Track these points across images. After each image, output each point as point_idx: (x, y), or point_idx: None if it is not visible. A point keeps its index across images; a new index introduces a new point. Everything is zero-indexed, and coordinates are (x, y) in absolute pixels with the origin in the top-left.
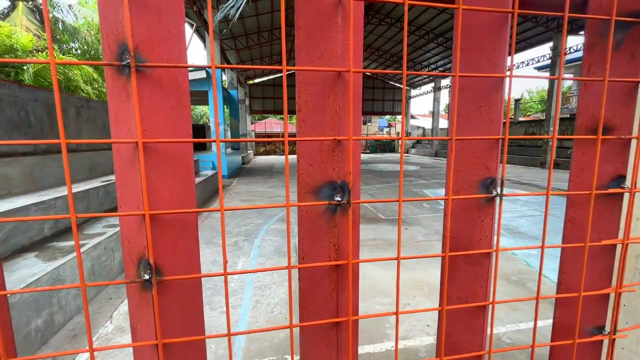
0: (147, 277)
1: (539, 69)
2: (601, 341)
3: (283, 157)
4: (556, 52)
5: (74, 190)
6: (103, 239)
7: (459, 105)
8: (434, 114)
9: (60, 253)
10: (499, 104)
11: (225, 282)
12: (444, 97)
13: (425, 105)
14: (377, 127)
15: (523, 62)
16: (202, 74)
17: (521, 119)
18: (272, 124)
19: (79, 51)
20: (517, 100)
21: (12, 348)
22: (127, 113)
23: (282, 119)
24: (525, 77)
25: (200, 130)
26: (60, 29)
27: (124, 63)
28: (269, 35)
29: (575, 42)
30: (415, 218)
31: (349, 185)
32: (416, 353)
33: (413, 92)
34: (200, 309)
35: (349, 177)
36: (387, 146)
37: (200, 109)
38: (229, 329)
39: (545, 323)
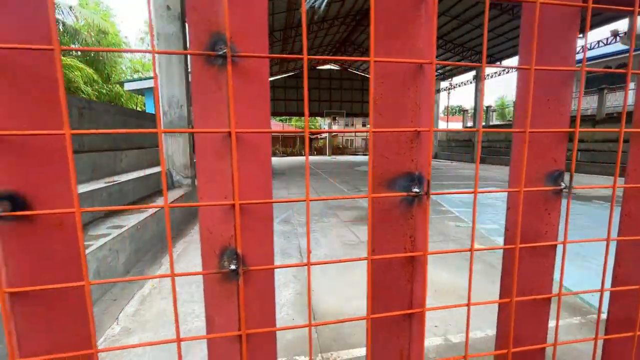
0: (233, 267)
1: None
2: None
3: (282, 158)
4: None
5: (79, 191)
6: (108, 239)
7: (526, 99)
8: (436, 115)
9: None
10: (568, 98)
11: (309, 272)
12: (443, 99)
13: None
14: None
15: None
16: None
17: None
18: (273, 126)
19: (78, 52)
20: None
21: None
22: (217, 104)
23: (281, 120)
24: (598, 70)
25: None
26: (61, 30)
27: (219, 53)
28: (269, 38)
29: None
30: None
31: (426, 177)
32: (425, 354)
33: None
34: (273, 300)
35: (427, 168)
36: None
37: None
38: (310, 319)
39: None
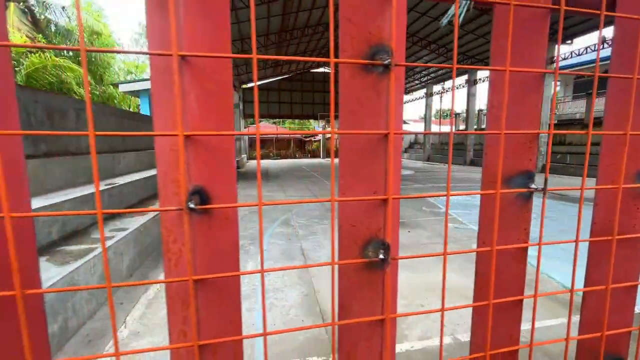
0: (382, 256)
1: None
2: None
3: (277, 161)
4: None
5: (78, 194)
6: (112, 242)
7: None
8: (426, 120)
9: (71, 257)
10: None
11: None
12: (435, 102)
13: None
14: None
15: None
16: None
17: None
18: (267, 128)
19: (70, 53)
20: None
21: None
22: (374, 108)
23: (274, 122)
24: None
25: None
26: (53, 30)
27: (384, 62)
28: (264, 40)
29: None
30: (417, 222)
31: (544, 175)
32: (436, 352)
33: (405, 97)
34: (397, 288)
35: (546, 167)
36: None
37: None
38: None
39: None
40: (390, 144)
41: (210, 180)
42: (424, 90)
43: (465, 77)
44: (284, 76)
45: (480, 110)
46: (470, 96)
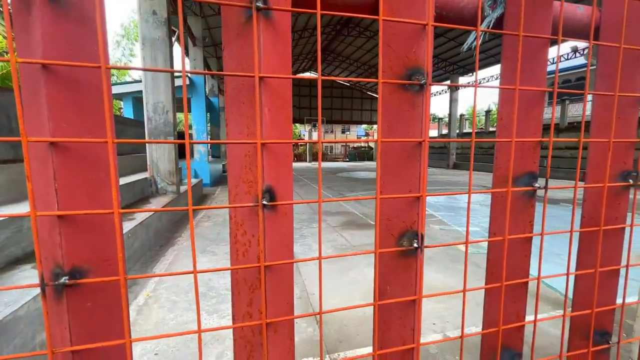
0: (416, 245)
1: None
2: None
3: None
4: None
5: None
6: None
7: (600, 116)
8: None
9: None
10: (635, 115)
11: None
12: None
13: None
14: (355, 135)
15: (492, 76)
16: (186, 81)
17: (491, 128)
18: None
19: None
20: (487, 112)
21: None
22: (410, 120)
23: None
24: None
25: (181, 137)
26: None
27: (421, 82)
28: None
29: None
30: None
31: (545, 176)
32: (427, 349)
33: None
34: (422, 273)
35: (547, 169)
36: (365, 155)
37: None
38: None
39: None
40: (424, 150)
41: (276, 181)
42: None
43: (448, 82)
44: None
45: (462, 115)
46: (453, 102)
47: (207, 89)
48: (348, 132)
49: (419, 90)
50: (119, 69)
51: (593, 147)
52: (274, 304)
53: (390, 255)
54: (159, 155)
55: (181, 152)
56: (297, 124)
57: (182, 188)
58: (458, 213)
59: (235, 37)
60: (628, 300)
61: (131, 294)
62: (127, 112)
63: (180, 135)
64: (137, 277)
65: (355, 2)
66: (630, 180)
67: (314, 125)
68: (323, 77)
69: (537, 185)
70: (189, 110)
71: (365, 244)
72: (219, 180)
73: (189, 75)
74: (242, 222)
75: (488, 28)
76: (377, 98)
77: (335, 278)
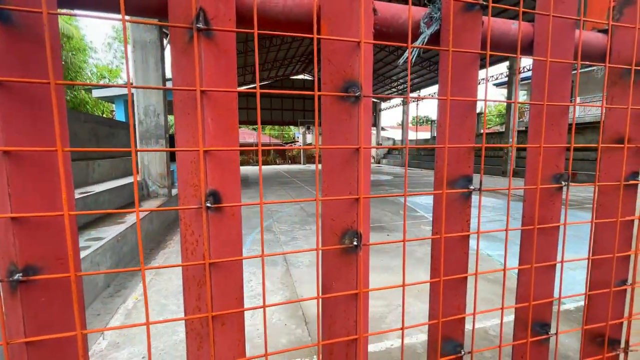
0: (355, 243)
1: (497, 85)
2: (625, 290)
3: (257, 167)
4: (512, 71)
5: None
6: (88, 253)
7: (537, 122)
8: (403, 126)
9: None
10: (565, 123)
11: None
12: (412, 110)
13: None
14: None
15: (482, 79)
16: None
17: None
18: (245, 135)
19: None
20: (478, 114)
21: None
22: (348, 128)
23: (255, 129)
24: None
25: (171, 139)
26: None
27: (356, 94)
28: (243, 47)
29: (527, 62)
30: (395, 225)
31: (479, 178)
32: (414, 350)
33: (383, 104)
34: (368, 265)
35: (481, 171)
36: None
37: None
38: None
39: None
40: (361, 156)
41: (221, 185)
42: (401, 98)
43: (395, 94)
44: (264, 82)
45: None
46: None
47: None
48: None
49: (355, 101)
50: (68, 84)
51: (530, 152)
52: (221, 299)
53: (334, 253)
54: (150, 158)
55: (173, 155)
56: (291, 126)
57: (174, 191)
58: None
59: (181, 54)
60: (565, 293)
61: (120, 297)
62: (119, 114)
63: (172, 138)
64: (88, 273)
65: (297, 20)
66: (563, 182)
67: (308, 127)
68: (261, 91)
69: (471, 187)
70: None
71: None
72: None
73: None
74: (190, 223)
75: (423, 44)
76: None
77: None
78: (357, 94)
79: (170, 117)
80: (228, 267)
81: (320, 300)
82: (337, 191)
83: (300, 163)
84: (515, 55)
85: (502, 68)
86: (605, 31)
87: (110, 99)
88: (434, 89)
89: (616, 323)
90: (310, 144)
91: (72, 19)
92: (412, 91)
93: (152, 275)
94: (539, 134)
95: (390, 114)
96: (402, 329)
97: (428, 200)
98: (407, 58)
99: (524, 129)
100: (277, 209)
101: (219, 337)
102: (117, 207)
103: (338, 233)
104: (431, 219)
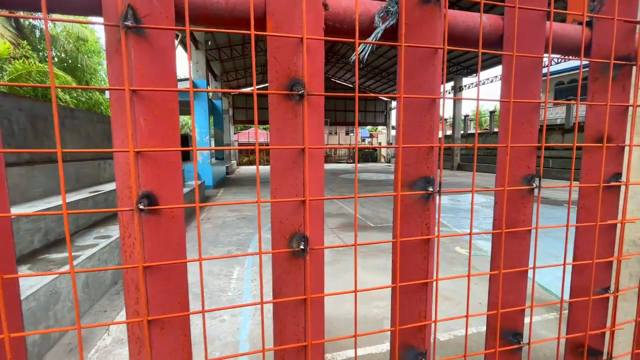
0: (302, 247)
1: None
2: (608, 298)
3: (267, 167)
4: None
5: (42, 207)
6: (96, 250)
7: (506, 120)
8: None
9: (54, 265)
10: (536, 121)
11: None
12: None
13: None
14: (359, 136)
15: (496, 76)
16: (186, 84)
17: (496, 129)
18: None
19: (55, 59)
20: (491, 112)
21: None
22: (293, 127)
23: (266, 129)
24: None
25: (183, 139)
26: (37, 36)
27: (299, 92)
28: (241, 50)
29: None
30: None
31: (438, 179)
32: None
33: (394, 103)
34: (323, 274)
35: (437, 173)
36: (369, 156)
37: (182, 119)
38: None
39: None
40: (306, 156)
41: (158, 187)
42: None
43: (452, 84)
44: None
45: (466, 116)
46: (456, 102)
47: (211, 93)
48: (352, 134)
49: (300, 99)
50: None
51: (500, 152)
52: (161, 303)
53: (283, 256)
54: None
55: (184, 154)
56: None
57: (184, 190)
58: (458, 215)
59: (114, 53)
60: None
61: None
62: None
63: (183, 138)
64: (16, 276)
65: (241, 16)
66: (534, 184)
67: None
68: (194, 90)
69: (430, 189)
70: (189, 113)
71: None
72: (222, 182)
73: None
74: (127, 226)
75: (376, 40)
76: (380, 99)
77: (329, 280)
78: (300, 92)
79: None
80: (167, 270)
81: (263, 305)
82: (284, 193)
83: None
84: (476, 50)
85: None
86: (587, 23)
87: None
88: (446, 86)
89: (597, 333)
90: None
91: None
92: None
93: None
94: (508, 133)
95: None
96: (354, 336)
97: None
98: (360, 54)
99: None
100: None
101: (159, 342)
102: None
103: (286, 236)
104: (441, 220)
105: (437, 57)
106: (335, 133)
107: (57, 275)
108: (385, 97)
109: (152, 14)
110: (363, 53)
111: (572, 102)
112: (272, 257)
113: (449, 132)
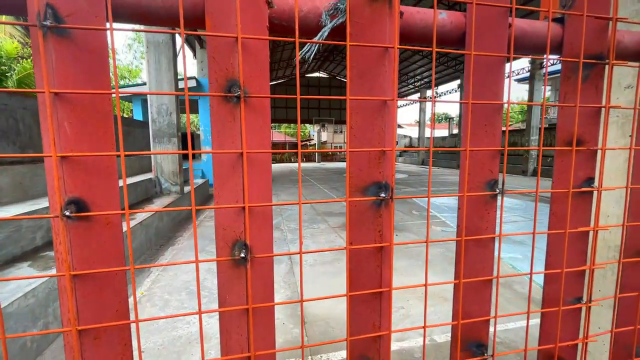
0: (243, 255)
1: (519, 80)
2: (580, 308)
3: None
4: (534, 66)
5: (44, 205)
6: None
7: (469, 124)
8: (420, 124)
9: (55, 262)
10: (499, 123)
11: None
12: (429, 107)
13: (412, 115)
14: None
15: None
16: (192, 83)
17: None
18: None
19: None
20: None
21: None
22: (232, 131)
23: (276, 128)
24: (520, 103)
25: (185, 138)
26: None
27: (236, 94)
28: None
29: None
30: (405, 225)
31: (391, 185)
32: (412, 354)
33: (399, 102)
34: (272, 282)
35: (391, 178)
36: None
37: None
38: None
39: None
40: (244, 161)
41: (88, 192)
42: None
43: (458, 82)
44: (279, 81)
45: (451, 118)
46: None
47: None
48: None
49: (237, 102)
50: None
51: (462, 157)
52: (94, 312)
53: (226, 264)
54: (163, 156)
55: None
56: (306, 124)
57: (187, 188)
58: (455, 215)
59: (38, 54)
60: (501, 312)
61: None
62: (137, 114)
63: (184, 137)
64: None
65: (178, 15)
66: (497, 189)
67: (323, 125)
68: (121, 92)
69: (382, 195)
70: (196, 112)
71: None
72: None
73: (196, 76)
74: (58, 232)
75: (322, 39)
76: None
77: (327, 279)
78: (236, 94)
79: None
80: (102, 279)
81: (201, 315)
82: (225, 199)
83: (315, 161)
84: (430, 49)
85: (524, 63)
86: (559, 20)
87: (129, 99)
88: (452, 84)
89: (568, 345)
90: (325, 142)
91: None
92: (427, 88)
93: (159, 271)
94: (470, 135)
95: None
96: (302, 347)
97: (442, 200)
98: (304, 54)
99: (547, 125)
100: (286, 207)
101: (91, 352)
102: (130, 204)
103: (229, 243)
104: (444, 219)
105: (387, 56)
106: (341, 132)
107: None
108: (333, 98)
109: (76, 13)
110: (309, 53)
111: (539, 103)
112: (217, 265)
113: (455, 131)
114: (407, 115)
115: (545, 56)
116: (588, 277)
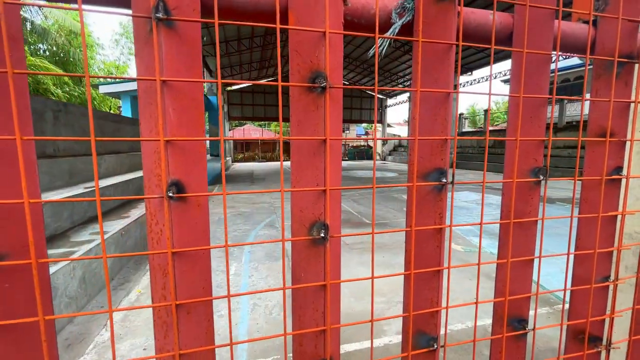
0: (322, 235)
1: (505, 81)
2: (607, 287)
3: (262, 163)
4: None
5: (55, 197)
6: (92, 246)
7: (515, 115)
8: (409, 123)
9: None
10: (543, 115)
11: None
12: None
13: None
14: (355, 134)
15: (495, 75)
16: None
17: (491, 128)
18: (250, 131)
19: (47, 52)
20: (485, 111)
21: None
22: (315, 119)
23: (259, 125)
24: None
25: None
26: (29, 29)
27: (321, 85)
28: (249, 43)
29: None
30: (397, 222)
31: (452, 171)
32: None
33: (389, 101)
34: (339, 259)
35: (449, 165)
36: (364, 153)
37: None
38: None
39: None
40: (327, 147)
41: (185, 175)
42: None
43: (466, 78)
44: (270, 79)
45: (461, 114)
46: (453, 100)
47: (206, 88)
48: (347, 131)
49: (322, 92)
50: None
51: (508, 146)
52: (187, 288)
53: (303, 244)
54: None
55: None
56: None
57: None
58: (457, 213)
59: (143, 45)
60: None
61: (123, 290)
62: (126, 110)
63: None
64: (52, 260)
65: (264, 10)
66: (541, 176)
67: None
68: (223, 81)
69: (444, 180)
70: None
71: (356, 242)
72: (218, 178)
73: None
74: (154, 213)
75: (393, 35)
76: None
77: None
78: (322, 85)
79: None
80: (193, 256)
81: (285, 291)
82: (305, 183)
83: None
84: (489, 46)
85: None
86: (592, 22)
87: (117, 95)
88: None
89: (597, 320)
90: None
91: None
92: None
93: None
94: (516, 127)
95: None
96: (371, 320)
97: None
98: (379, 49)
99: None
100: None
101: (185, 325)
102: (124, 201)
103: (306, 224)
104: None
105: (451, 52)
106: (342, 130)
107: (59, 267)
108: (403, 90)
109: (180, 6)
110: (381, 48)
111: (579, 98)
112: (292, 245)
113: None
114: (396, 115)
115: (585, 56)
116: (616, 258)
